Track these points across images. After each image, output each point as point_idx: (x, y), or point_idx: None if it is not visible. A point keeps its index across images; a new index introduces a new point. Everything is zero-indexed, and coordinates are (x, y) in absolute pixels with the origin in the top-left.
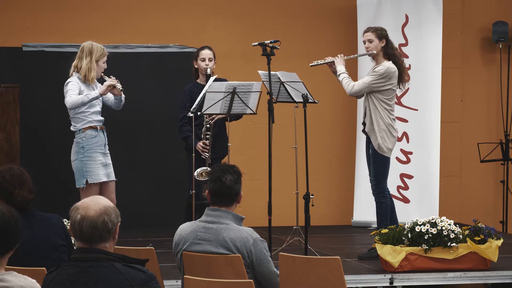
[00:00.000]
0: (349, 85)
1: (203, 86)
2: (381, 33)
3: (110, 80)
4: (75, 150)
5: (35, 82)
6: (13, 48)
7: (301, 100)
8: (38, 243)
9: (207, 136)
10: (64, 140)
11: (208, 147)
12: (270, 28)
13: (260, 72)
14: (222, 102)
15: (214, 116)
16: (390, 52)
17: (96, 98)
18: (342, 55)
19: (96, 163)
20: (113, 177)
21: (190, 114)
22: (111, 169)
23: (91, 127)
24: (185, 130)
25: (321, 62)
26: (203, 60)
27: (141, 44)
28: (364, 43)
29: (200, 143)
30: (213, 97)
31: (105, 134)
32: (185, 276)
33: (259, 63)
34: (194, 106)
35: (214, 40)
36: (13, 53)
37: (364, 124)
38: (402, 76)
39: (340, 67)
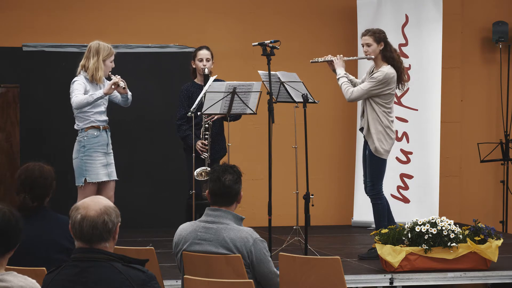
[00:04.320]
0: (348, 91)
1: (201, 85)
2: (379, 36)
3: (113, 80)
4: (77, 148)
5: (35, 82)
6: (13, 48)
7: (301, 100)
8: (44, 242)
9: (206, 136)
10: (64, 140)
11: (207, 147)
12: (270, 28)
13: (260, 72)
14: (222, 102)
15: (213, 116)
16: (389, 55)
17: (101, 97)
18: (341, 55)
19: (96, 163)
20: (114, 177)
21: (190, 114)
22: (112, 169)
23: (93, 127)
24: (184, 129)
25: (321, 60)
26: (201, 60)
27: (141, 44)
28: (363, 47)
29: (199, 142)
30: (213, 97)
31: (109, 134)
32: (185, 276)
33: (259, 63)
34: (194, 106)
35: (214, 40)
36: (13, 53)
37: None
38: (401, 77)
39: (340, 70)
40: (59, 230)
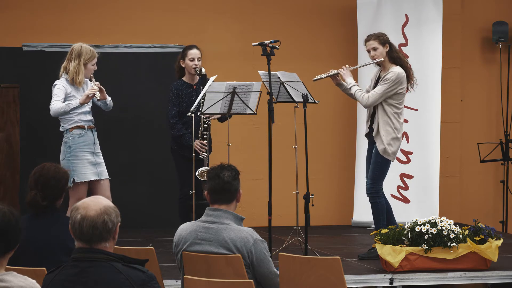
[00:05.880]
0: (364, 97)
1: (190, 84)
2: (383, 39)
3: (89, 90)
4: (63, 149)
5: (35, 82)
6: (13, 48)
7: (301, 100)
8: (53, 243)
9: (205, 136)
10: None
11: (206, 147)
12: (270, 28)
13: (260, 72)
14: (222, 102)
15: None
16: (395, 56)
17: (77, 107)
18: (347, 66)
19: (83, 162)
20: (105, 176)
21: (190, 114)
22: (102, 168)
23: (78, 127)
24: (179, 128)
25: (325, 76)
26: (192, 59)
27: (141, 44)
28: (369, 52)
29: (198, 142)
30: (213, 97)
31: (95, 133)
32: (185, 276)
33: (259, 63)
34: (194, 106)
35: (214, 40)
36: (13, 53)
37: (370, 128)
38: (410, 76)
39: (349, 80)
40: (68, 233)
